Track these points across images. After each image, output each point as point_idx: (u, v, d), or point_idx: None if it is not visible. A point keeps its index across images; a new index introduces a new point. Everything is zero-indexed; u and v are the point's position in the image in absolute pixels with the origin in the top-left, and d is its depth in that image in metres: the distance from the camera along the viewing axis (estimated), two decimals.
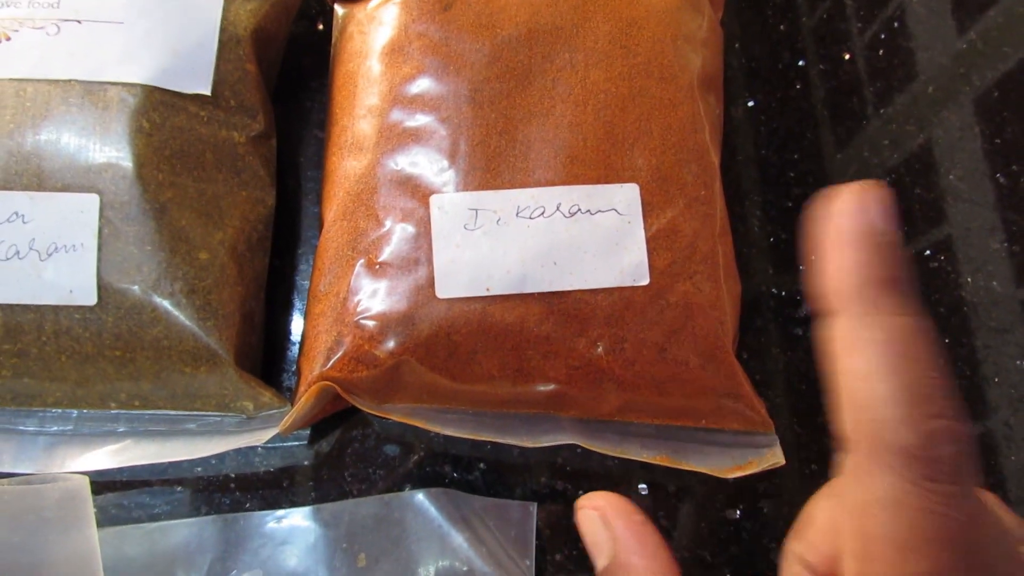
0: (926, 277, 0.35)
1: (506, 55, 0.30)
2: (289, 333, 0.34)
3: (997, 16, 0.39)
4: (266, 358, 0.33)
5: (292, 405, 0.29)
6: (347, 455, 0.32)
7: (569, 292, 0.28)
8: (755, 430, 0.30)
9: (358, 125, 0.30)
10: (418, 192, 0.29)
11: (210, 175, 0.30)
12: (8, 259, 0.28)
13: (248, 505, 0.31)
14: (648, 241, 0.29)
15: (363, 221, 0.29)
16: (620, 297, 0.28)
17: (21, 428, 0.30)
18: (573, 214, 0.29)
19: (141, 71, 0.29)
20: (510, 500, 0.31)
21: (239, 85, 0.31)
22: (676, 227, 0.29)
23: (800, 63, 0.39)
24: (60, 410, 0.30)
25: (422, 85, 0.30)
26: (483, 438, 0.29)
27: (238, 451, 0.31)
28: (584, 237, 0.29)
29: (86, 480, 0.26)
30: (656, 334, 0.29)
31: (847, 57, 0.39)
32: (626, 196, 0.29)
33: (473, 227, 0.28)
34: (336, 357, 0.28)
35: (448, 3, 0.30)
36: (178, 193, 0.29)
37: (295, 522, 0.30)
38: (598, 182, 0.29)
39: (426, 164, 0.29)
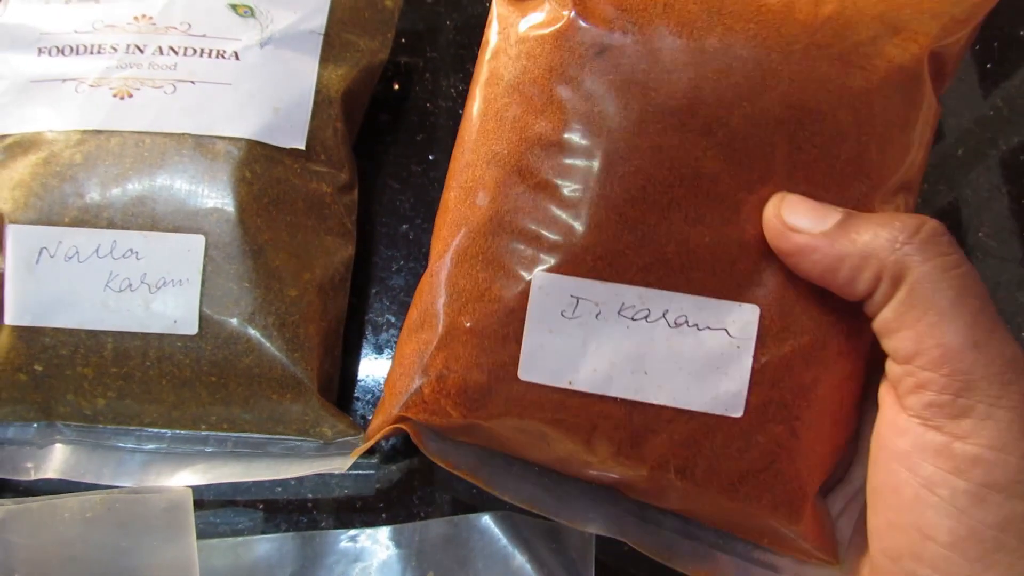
0: None
1: (653, 128, 0.26)
2: (361, 367, 0.36)
3: (1020, 84, 0.41)
4: (339, 388, 0.35)
5: (365, 431, 0.31)
6: (415, 479, 0.34)
7: (652, 404, 0.27)
8: (815, 561, 0.29)
9: (481, 169, 0.28)
10: (523, 262, 0.27)
11: (301, 221, 0.33)
12: (121, 291, 0.31)
13: (324, 524, 0.33)
14: (754, 372, 0.26)
15: (463, 280, 0.28)
16: (705, 422, 0.26)
17: (120, 445, 0.33)
18: (679, 324, 0.26)
19: (246, 127, 0.32)
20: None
21: (329, 141, 0.34)
22: (790, 364, 0.26)
23: None
24: (156, 430, 0.33)
25: (554, 144, 0.27)
26: (538, 511, 0.29)
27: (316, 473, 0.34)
28: (684, 352, 0.26)
29: (189, 492, 0.29)
30: (732, 468, 0.26)
31: None
32: (743, 317, 0.26)
33: (571, 315, 0.27)
34: (414, 403, 0.28)
35: (603, 47, 0.27)
36: (273, 236, 0.32)
37: (368, 541, 0.32)
38: (716, 295, 0.26)
39: (538, 235, 0.27)
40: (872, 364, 0.28)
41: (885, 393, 0.26)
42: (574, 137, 0.27)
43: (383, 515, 0.33)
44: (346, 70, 0.35)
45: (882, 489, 0.25)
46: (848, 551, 0.28)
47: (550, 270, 0.27)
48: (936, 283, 0.23)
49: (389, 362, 0.36)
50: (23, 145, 0.32)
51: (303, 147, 0.33)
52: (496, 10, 0.30)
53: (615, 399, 0.26)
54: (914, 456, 0.23)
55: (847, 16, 0.27)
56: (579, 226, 0.27)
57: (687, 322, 0.26)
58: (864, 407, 0.28)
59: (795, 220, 0.25)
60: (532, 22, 0.28)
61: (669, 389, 0.26)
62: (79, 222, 0.31)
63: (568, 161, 0.27)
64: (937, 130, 0.41)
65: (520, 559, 0.31)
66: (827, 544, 0.28)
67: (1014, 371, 0.22)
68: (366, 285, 0.37)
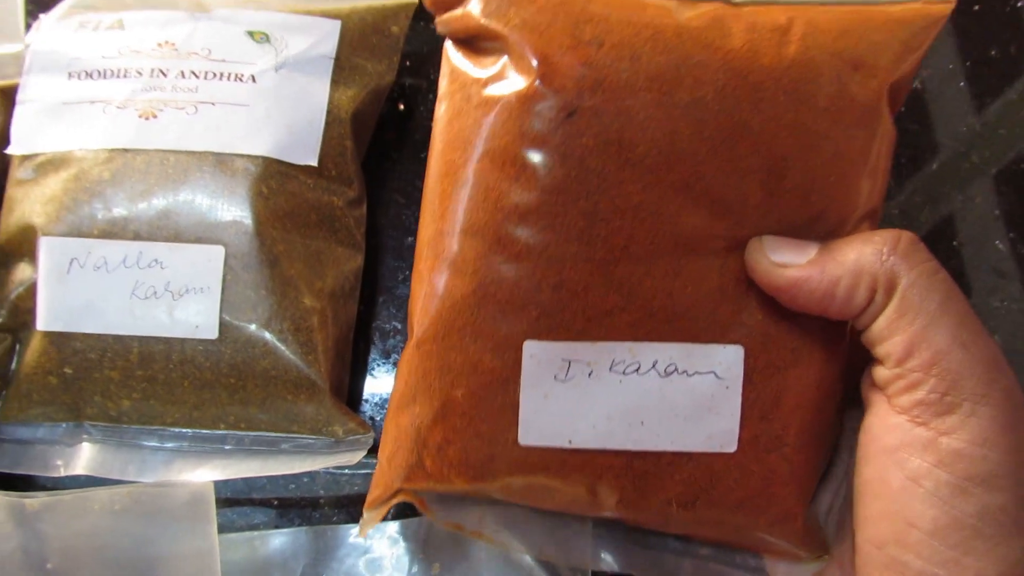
0: None
1: (631, 187, 0.26)
2: (369, 369, 0.38)
3: (993, 101, 0.44)
4: (349, 390, 0.37)
5: (374, 430, 0.33)
6: None
7: (651, 452, 0.27)
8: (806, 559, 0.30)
9: (457, 240, 0.28)
10: (513, 332, 0.27)
11: (314, 233, 0.35)
12: (146, 298, 0.33)
13: (336, 519, 0.35)
14: (743, 408, 0.27)
15: (453, 353, 0.28)
16: (702, 462, 0.27)
17: (144, 444, 0.35)
18: (669, 373, 0.27)
19: (262, 145, 0.35)
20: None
21: (340, 158, 0.36)
22: (778, 397, 0.27)
23: None
24: (177, 429, 0.35)
25: (533, 211, 0.27)
26: (544, 558, 0.31)
27: (328, 471, 0.36)
28: (677, 399, 0.27)
29: (211, 485, 0.31)
30: (731, 497, 0.28)
31: None
32: (728, 358, 0.27)
33: (564, 378, 0.27)
34: (417, 475, 0.28)
35: (573, 108, 0.26)
36: (288, 247, 0.34)
37: (376, 535, 0.34)
38: (701, 340, 0.27)
39: (524, 303, 0.27)
40: (848, 372, 0.29)
41: (873, 394, 0.27)
42: (553, 202, 0.27)
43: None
44: (355, 92, 0.38)
45: (871, 481, 0.26)
46: (834, 541, 0.30)
47: (540, 337, 0.27)
48: (924, 289, 0.24)
49: (395, 367, 0.38)
50: (55, 163, 0.35)
51: (315, 164, 0.35)
52: (450, 57, 0.29)
53: (615, 454, 0.27)
54: (902, 451, 0.25)
55: (810, 56, 0.27)
56: (565, 291, 0.27)
57: (677, 369, 0.27)
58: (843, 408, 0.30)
59: (781, 257, 0.26)
60: (494, 78, 0.28)
61: (666, 435, 0.27)
62: (107, 234, 0.33)
63: (549, 227, 0.27)
64: (919, 146, 0.43)
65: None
66: (818, 544, 0.29)
67: (996, 370, 0.24)
68: (374, 294, 0.39)
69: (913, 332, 0.25)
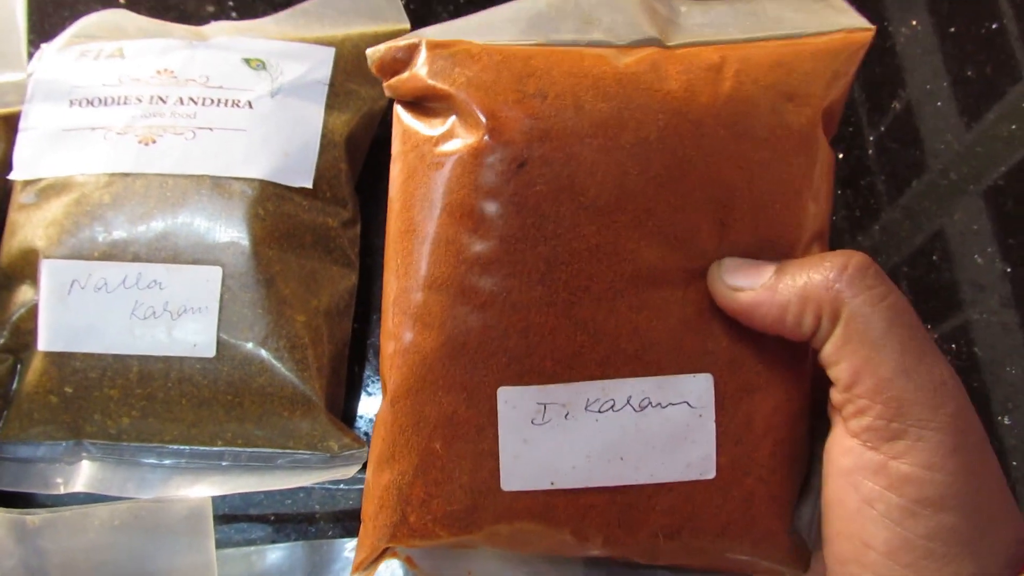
0: None
1: (587, 229, 0.27)
2: (364, 385, 0.39)
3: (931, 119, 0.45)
4: (344, 406, 0.38)
5: (368, 446, 0.33)
6: None
7: (633, 486, 0.28)
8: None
9: (423, 294, 0.28)
10: (486, 381, 0.28)
11: (309, 253, 0.36)
12: (146, 318, 0.34)
13: (331, 533, 0.36)
14: (718, 435, 0.28)
15: (427, 407, 0.28)
16: (682, 490, 0.28)
17: (142, 461, 0.35)
18: (643, 408, 0.28)
19: (259, 169, 0.36)
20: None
21: (334, 180, 0.37)
22: (750, 420, 0.28)
23: None
24: (175, 446, 0.35)
25: (493, 260, 0.28)
26: None
27: (323, 487, 0.36)
28: (653, 431, 0.28)
29: (209, 500, 0.31)
30: (714, 523, 0.28)
31: (867, 151, 0.45)
32: (698, 387, 0.28)
33: (541, 421, 0.28)
34: (402, 533, 0.28)
35: (523, 160, 0.27)
36: (284, 267, 0.35)
37: None
38: (671, 372, 0.28)
39: (494, 351, 0.28)
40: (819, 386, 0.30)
41: (833, 415, 0.28)
42: (512, 250, 0.27)
43: None
44: (349, 116, 0.39)
45: (831, 502, 0.27)
46: (815, 554, 0.31)
47: (513, 383, 0.27)
48: (867, 317, 0.25)
49: None
50: (56, 188, 0.36)
51: (311, 186, 0.37)
52: (401, 119, 0.30)
53: (598, 491, 0.28)
54: (856, 474, 0.26)
55: (744, 91, 0.28)
56: (532, 335, 0.27)
57: (651, 403, 0.27)
58: (817, 424, 0.31)
59: (736, 281, 0.27)
60: (445, 142, 0.28)
61: (646, 468, 0.27)
62: (108, 256, 0.34)
63: (510, 275, 0.27)
64: (901, 163, 0.44)
65: (515, 559, 0.33)
66: (802, 560, 0.30)
67: (942, 395, 0.24)
68: (368, 312, 0.40)
69: (857, 360, 0.25)
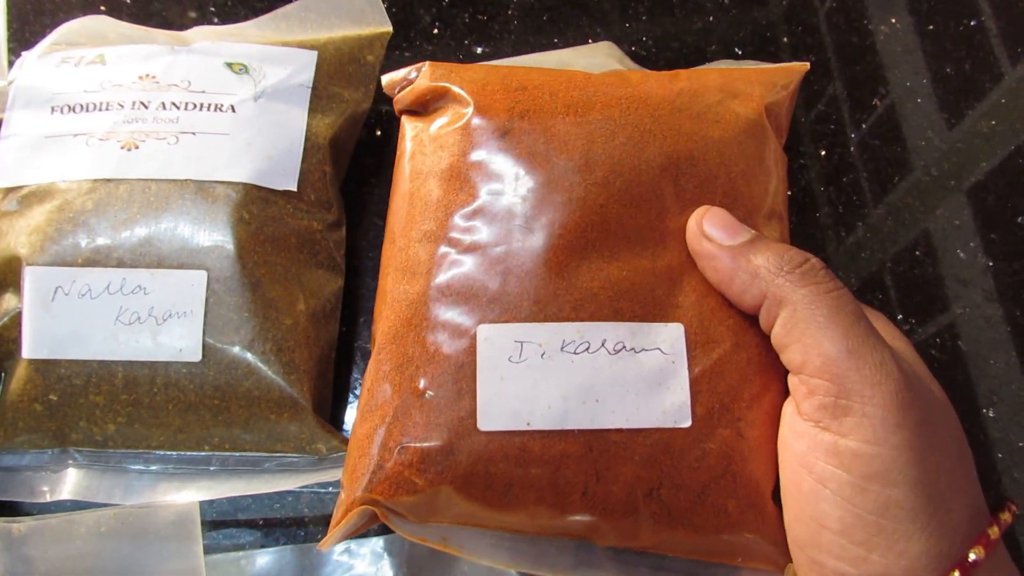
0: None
1: (560, 184, 0.30)
2: (352, 388, 0.39)
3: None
4: (331, 409, 0.38)
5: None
6: None
7: (608, 431, 0.28)
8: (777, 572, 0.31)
9: (413, 248, 0.31)
10: (467, 320, 0.29)
11: (294, 256, 0.36)
12: (131, 324, 0.34)
13: (320, 537, 0.35)
14: (692, 383, 0.29)
15: (412, 347, 0.30)
16: (659, 439, 0.28)
17: (129, 467, 0.35)
18: (618, 351, 0.29)
19: (243, 173, 0.36)
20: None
21: (318, 183, 0.37)
22: (721, 370, 0.29)
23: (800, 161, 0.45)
24: (162, 452, 0.35)
25: (477, 212, 0.31)
26: (518, 568, 0.30)
27: (312, 491, 0.36)
28: (627, 375, 0.29)
29: (196, 505, 0.31)
30: (694, 480, 0.28)
31: (850, 149, 0.45)
32: (671, 335, 0.29)
33: (518, 359, 0.29)
34: (377, 480, 0.28)
35: (505, 130, 0.31)
36: (269, 270, 0.35)
37: (362, 552, 0.35)
38: (644, 319, 0.29)
39: (475, 293, 0.29)
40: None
41: (785, 407, 0.29)
42: (493, 204, 0.31)
43: (375, 527, 0.36)
44: (332, 119, 0.39)
45: (788, 487, 0.28)
46: None
47: (492, 321, 0.29)
48: (811, 304, 0.27)
49: None
50: (39, 195, 0.36)
51: (295, 189, 0.36)
52: (405, 127, 0.35)
53: (574, 436, 0.28)
54: (809, 456, 0.27)
55: (695, 87, 0.33)
56: (511, 279, 0.30)
57: (624, 347, 0.29)
58: None
59: (710, 230, 0.29)
60: (440, 124, 0.33)
61: (621, 411, 0.28)
62: (91, 262, 0.34)
63: (491, 225, 0.30)
64: (883, 160, 0.45)
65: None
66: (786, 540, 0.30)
67: (884, 374, 0.26)
68: (355, 314, 0.40)
69: (806, 341, 0.27)
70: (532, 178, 0.31)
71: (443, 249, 0.31)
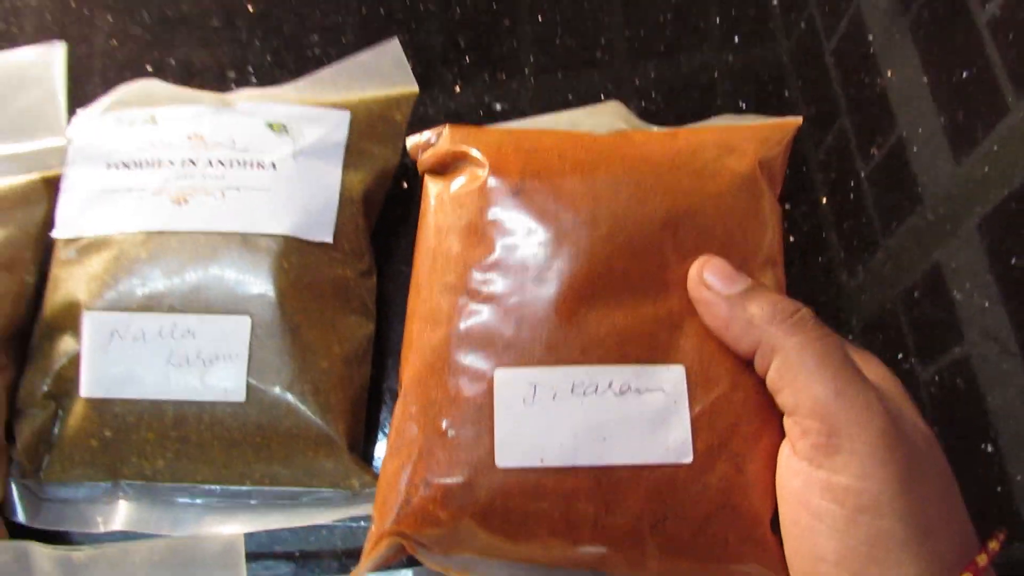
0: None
1: (568, 239, 0.33)
2: (381, 426, 0.42)
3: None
4: (363, 446, 0.40)
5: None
6: None
7: (616, 467, 0.30)
8: None
9: (436, 299, 0.34)
10: (485, 365, 0.32)
11: (329, 303, 0.39)
12: (180, 366, 0.37)
13: (353, 568, 0.38)
14: (692, 421, 0.31)
15: (435, 390, 0.32)
16: (663, 474, 0.30)
17: (176, 500, 0.38)
18: (623, 392, 0.31)
19: (283, 225, 0.39)
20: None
21: (352, 234, 0.40)
22: (720, 408, 0.31)
23: (812, 197, 0.48)
24: (207, 486, 0.38)
25: (493, 265, 0.33)
26: None
27: (345, 524, 0.38)
28: (632, 415, 0.31)
29: (241, 536, 0.34)
30: (696, 512, 0.30)
31: (853, 184, 0.48)
32: (673, 377, 0.31)
33: (532, 401, 0.31)
34: (405, 514, 0.31)
35: (518, 189, 0.34)
36: (307, 316, 0.38)
37: None
38: (647, 362, 0.31)
39: (492, 339, 0.32)
40: None
41: (783, 445, 0.31)
42: (508, 258, 0.33)
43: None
44: (364, 174, 0.42)
45: (786, 523, 0.30)
46: None
47: (508, 365, 0.32)
48: (801, 351, 0.29)
49: None
50: (96, 245, 0.39)
51: (331, 240, 0.39)
52: (428, 186, 0.38)
53: (585, 472, 0.30)
54: (805, 492, 0.29)
55: (693, 145, 0.36)
56: (525, 326, 0.32)
57: (630, 388, 0.31)
58: None
59: (710, 279, 0.32)
60: (460, 183, 0.36)
61: (627, 449, 0.31)
62: (145, 308, 0.37)
63: (506, 277, 0.33)
64: (895, 192, 0.47)
65: None
66: (785, 568, 0.31)
67: (869, 413, 0.28)
68: (384, 357, 0.43)
69: (796, 387, 0.29)
70: (543, 233, 0.33)
71: (463, 300, 0.33)
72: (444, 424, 0.32)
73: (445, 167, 0.38)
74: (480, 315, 0.33)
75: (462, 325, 0.33)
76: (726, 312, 0.31)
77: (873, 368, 0.32)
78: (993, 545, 0.28)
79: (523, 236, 0.34)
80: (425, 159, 0.38)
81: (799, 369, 0.29)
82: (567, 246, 0.33)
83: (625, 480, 0.30)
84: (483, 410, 0.31)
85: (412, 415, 0.32)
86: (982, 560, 0.27)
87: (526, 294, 0.32)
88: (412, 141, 0.39)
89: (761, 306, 0.30)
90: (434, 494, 0.31)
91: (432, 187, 0.38)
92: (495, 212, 0.34)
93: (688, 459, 0.30)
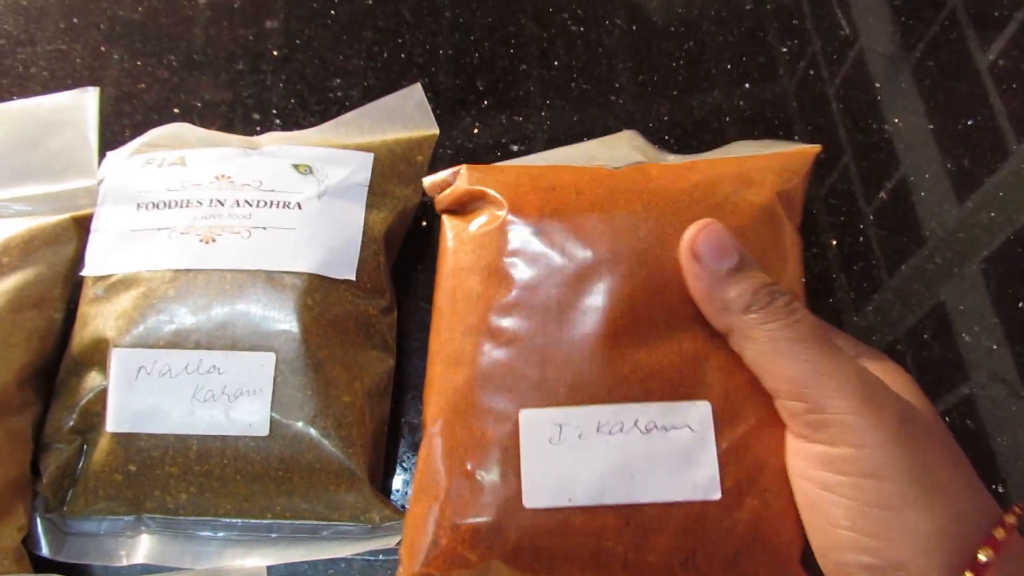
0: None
1: (590, 276, 0.33)
2: (400, 459, 0.42)
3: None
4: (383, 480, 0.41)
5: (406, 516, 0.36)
6: None
7: (644, 504, 0.30)
8: None
9: (458, 340, 0.34)
10: (509, 406, 0.32)
11: (352, 339, 0.40)
12: (205, 401, 0.37)
13: None
14: (720, 457, 0.31)
15: (460, 432, 0.32)
16: (692, 511, 0.30)
17: (198, 533, 0.38)
18: (649, 430, 0.31)
19: (307, 263, 0.40)
20: None
21: (374, 272, 0.41)
22: (747, 443, 0.31)
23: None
24: (229, 520, 0.38)
25: (515, 306, 0.33)
26: None
27: (363, 559, 0.39)
28: (659, 452, 0.31)
29: (264, 569, 0.34)
30: (726, 548, 0.30)
31: (861, 227, 0.49)
32: (699, 413, 0.31)
33: (558, 441, 0.31)
34: (433, 556, 0.31)
35: (537, 228, 0.34)
36: (330, 352, 0.39)
37: None
38: (673, 399, 0.31)
39: (516, 380, 0.32)
40: None
41: (785, 436, 0.32)
42: (530, 298, 0.33)
43: None
44: (386, 214, 0.43)
45: (800, 503, 0.31)
46: None
47: (532, 406, 0.32)
48: (772, 339, 0.29)
49: None
50: (125, 283, 0.40)
51: (353, 278, 0.40)
52: (446, 226, 0.38)
53: (613, 511, 0.30)
54: (809, 468, 0.30)
55: (711, 178, 0.35)
56: (549, 366, 0.32)
57: (656, 426, 0.31)
58: None
59: (701, 248, 0.32)
60: (479, 223, 0.36)
61: (654, 487, 0.30)
62: (172, 344, 0.38)
63: (528, 317, 0.33)
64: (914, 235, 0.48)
65: None
66: None
67: (852, 385, 0.28)
68: (403, 392, 0.44)
69: (772, 371, 0.30)
70: (563, 272, 0.33)
71: (485, 340, 0.33)
72: (470, 465, 0.32)
73: (463, 206, 0.38)
74: (503, 356, 0.33)
75: (485, 366, 0.33)
76: (706, 288, 0.31)
77: (852, 345, 0.32)
78: (1009, 519, 0.28)
79: (544, 276, 0.34)
80: (443, 199, 0.39)
81: (771, 354, 0.29)
82: (588, 285, 0.33)
83: (654, 518, 0.30)
84: (509, 451, 0.31)
85: (437, 456, 0.33)
86: (1000, 534, 0.27)
87: (549, 334, 0.32)
88: (429, 181, 0.40)
89: (740, 293, 0.30)
90: (463, 535, 0.31)
91: (450, 226, 0.38)
92: (515, 252, 0.34)
93: (716, 496, 0.30)
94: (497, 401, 0.32)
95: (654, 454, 0.31)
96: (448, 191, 0.38)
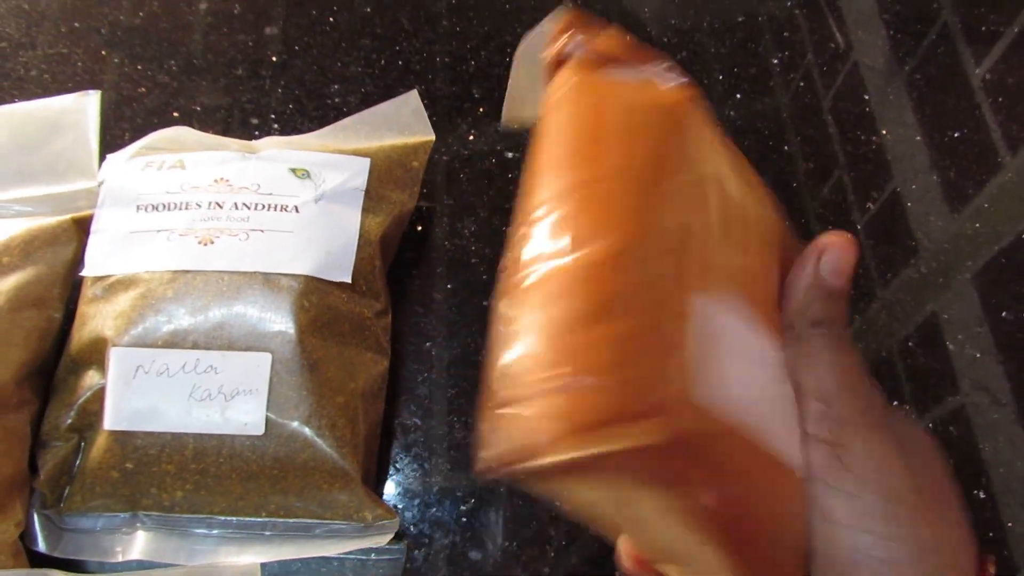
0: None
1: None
2: (392, 461, 0.43)
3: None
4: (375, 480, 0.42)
5: (398, 516, 0.37)
6: (440, 560, 0.40)
7: None
8: None
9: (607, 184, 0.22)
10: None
11: (347, 340, 0.40)
12: (202, 400, 0.38)
13: None
14: None
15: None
16: None
17: (193, 531, 0.39)
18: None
19: (304, 266, 0.40)
20: None
21: (369, 275, 0.42)
22: None
23: None
24: (223, 517, 0.39)
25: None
26: None
27: (355, 557, 0.39)
28: None
29: (258, 566, 0.35)
30: None
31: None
32: None
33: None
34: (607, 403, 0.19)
35: None
36: (326, 353, 0.39)
37: None
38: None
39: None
40: None
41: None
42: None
43: None
44: (382, 218, 0.44)
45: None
46: None
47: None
48: (819, 354, 0.29)
49: (416, 459, 0.43)
50: (124, 283, 0.40)
51: (349, 281, 0.41)
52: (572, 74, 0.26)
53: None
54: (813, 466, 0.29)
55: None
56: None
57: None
58: None
59: (825, 267, 0.31)
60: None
61: None
62: (169, 344, 0.38)
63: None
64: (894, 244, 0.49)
65: None
66: None
67: (871, 407, 0.28)
68: (396, 394, 0.44)
69: (810, 375, 0.29)
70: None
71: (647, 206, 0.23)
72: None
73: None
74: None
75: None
76: (801, 287, 0.31)
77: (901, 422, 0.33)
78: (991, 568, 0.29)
79: None
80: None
81: (813, 363, 0.30)
82: None
83: None
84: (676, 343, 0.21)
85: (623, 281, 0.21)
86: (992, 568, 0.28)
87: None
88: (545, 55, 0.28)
89: (822, 309, 0.30)
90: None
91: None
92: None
93: None
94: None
95: None
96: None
